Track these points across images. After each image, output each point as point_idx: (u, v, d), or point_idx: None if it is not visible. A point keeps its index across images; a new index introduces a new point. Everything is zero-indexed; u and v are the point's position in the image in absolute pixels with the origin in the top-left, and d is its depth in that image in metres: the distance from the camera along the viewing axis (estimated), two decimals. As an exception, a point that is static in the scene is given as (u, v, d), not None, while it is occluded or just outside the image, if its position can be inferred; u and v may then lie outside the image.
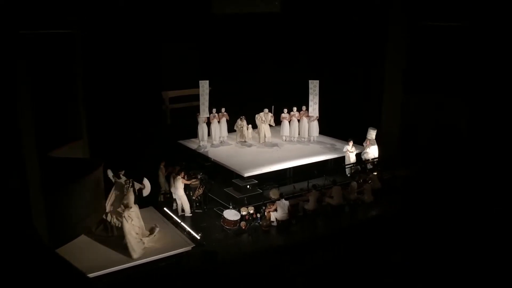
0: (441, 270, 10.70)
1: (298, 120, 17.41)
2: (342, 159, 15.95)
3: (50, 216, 9.00)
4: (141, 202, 12.58)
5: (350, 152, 15.68)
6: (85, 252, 10.90)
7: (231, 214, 12.37)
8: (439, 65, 16.52)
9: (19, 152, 8.20)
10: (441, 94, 16.45)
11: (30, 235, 8.13)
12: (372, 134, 16.03)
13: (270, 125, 17.19)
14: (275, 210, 12.61)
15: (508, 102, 15.37)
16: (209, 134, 16.67)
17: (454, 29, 16.19)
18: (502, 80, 15.46)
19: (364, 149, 16.08)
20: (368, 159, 15.94)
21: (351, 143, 15.73)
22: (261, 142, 17.02)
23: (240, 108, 17.27)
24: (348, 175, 15.47)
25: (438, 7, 16.12)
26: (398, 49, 16.47)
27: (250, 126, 17.14)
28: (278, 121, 17.48)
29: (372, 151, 16.01)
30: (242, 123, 16.94)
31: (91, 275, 9.91)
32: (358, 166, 15.71)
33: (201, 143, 16.59)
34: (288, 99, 17.81)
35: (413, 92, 16.60)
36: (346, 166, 15.66)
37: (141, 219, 11.47)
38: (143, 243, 11.04)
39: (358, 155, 16.01)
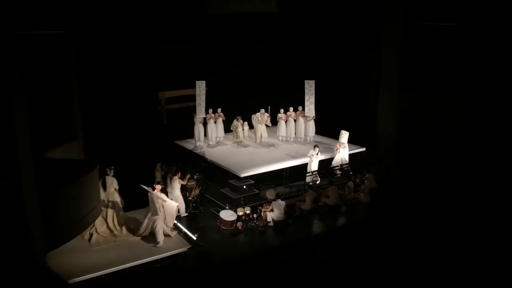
0: (437, 269, 10.70)
1: (295, 120, 17.40)
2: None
3: (46, 217, 8.96)
4: (138, 202, 12.57)
5: (314, 158, 14.78)
6: (80, 254, 10.84)
7: (227, 215, 12.33)
8: (434, 64, 16.57)
9: (14, 152, 8.16)
10: (437, 93, 16.50)
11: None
12: (344, 137, 15.43)
13: (266, 125, 17.17)
14: (272, 210, 12.59)
15: (503, 100, 15.44)
16: (205, 134, 16.65)
17: (450, 29, 16.26)
18: (497, 79, 15.53)
19: (335, 154, 15.40)
20: (337, 165, 15.30)
21: (317, 149, 14.89)
22: (257, 142, 17.00)
23: (236, 108, 17.25)
24: (310, 184, 14.18)
25: (434, 6, 16.17)
26: (393, 48, 16.49)
27: (246, 126, 17.13)
28: (274, 121, 17.46)
29: (342, 155, 15.35)
30: (238, 123, 16.94)
31: (86, 276, 9.91)
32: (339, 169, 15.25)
33: (198, 144, 16.56)
34: (284, 99, 17.80)
35: (409, 91, 16.63)
36: (307, 175, 14.71)
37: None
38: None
39: (321, 162, 15.06)
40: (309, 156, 14.87)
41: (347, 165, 15.40)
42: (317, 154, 14.82)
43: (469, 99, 16.18)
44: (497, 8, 15.06)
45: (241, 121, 17.00)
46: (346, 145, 15.48)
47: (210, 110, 16.66)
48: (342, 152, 15.40)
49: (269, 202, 13.01)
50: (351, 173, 15.13)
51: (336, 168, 15.38)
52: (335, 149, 15.55)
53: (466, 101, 16.27)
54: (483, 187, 14.14)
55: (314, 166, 14.84)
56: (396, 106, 16.72)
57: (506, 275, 10.35)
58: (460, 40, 16.22)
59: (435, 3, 16.22)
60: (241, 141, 17.05)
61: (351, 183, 14.13)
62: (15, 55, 8.47)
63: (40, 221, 8.80)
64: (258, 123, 16.94)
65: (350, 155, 16.06)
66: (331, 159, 15.57)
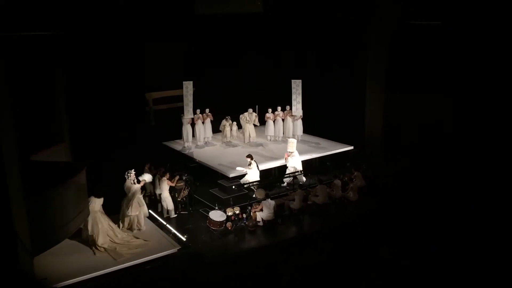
0: (428, 266, 10.80)
1: (283, 120, 17.46)
2: (327, 157, 15.99)
3: (32, 221, 8.86)
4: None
5: (249, 170, 13.86)
6: (70, 256, 10.75)
7: (217, 215, 12.32)
8: (421, 64, 16.69)
9: (-1, 155, 8.05)
10: (424, 93, 16.61)
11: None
12: (291, 146, 14.69)
13: (254, 125, 17.20)
14: (261, 210, 12.61)
15: (491, 99, 15.60)
16: (193, 135, 16.62)
17: (437, 28, 16.38)
18: (485, 78, 15.67)
19: (286, 163, 14.74)
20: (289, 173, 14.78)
21: (249, 160, 13.90)
22: (246, 142, 17.03)
23: (224, 108, 17.23)
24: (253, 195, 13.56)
25: (421, 6, 16.28)
26: (381, 48, 16.58)
27: (234, 125, 17.14)
28: (262, 121, 17.49)
29: (292, 164, 14.67)
30: (227, 123, 16.93)
31: (76, 279, 9.82)
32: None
33: (186, 144, 16.53)
34: (272, 99, 17.83)
35: (396, 91, 16.73)
36: (245, 185, 13.77)
37: None
38: None
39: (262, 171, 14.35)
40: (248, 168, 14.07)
41: (300, 172, 14.77)
42: (250, 165, 13.95)
43: (457, 99, 16.30)
44: (484, 6, 15.20)
45: (230, 121, 17.00)
46: (296, 153, 14.77)
47: (198, 111, 16.64)
48: (291, 161, 14.69)
49: (259, 201, 13.02)
50: (304, 179, 14.68)
51: (287, 176, 14.85)
52: (285, 161, 14.84)
53: (454, 100, 16.38)
54: (471, 185, 14.28)
55: (252, 177, 13.90)
56: (384, 105, 16.82)
57: (493, 274, 10.47)
58: (448, 40, 16.33)
59: (422, 2, 16.32)
60: (230, 141, 17.05)
61: (338, 181, 14.18)
62: (0, 56, 8.38)
63: (27, 225, 8.70)
64: (246, 122, 16.97)
65: (338, 154, 16.15)
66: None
